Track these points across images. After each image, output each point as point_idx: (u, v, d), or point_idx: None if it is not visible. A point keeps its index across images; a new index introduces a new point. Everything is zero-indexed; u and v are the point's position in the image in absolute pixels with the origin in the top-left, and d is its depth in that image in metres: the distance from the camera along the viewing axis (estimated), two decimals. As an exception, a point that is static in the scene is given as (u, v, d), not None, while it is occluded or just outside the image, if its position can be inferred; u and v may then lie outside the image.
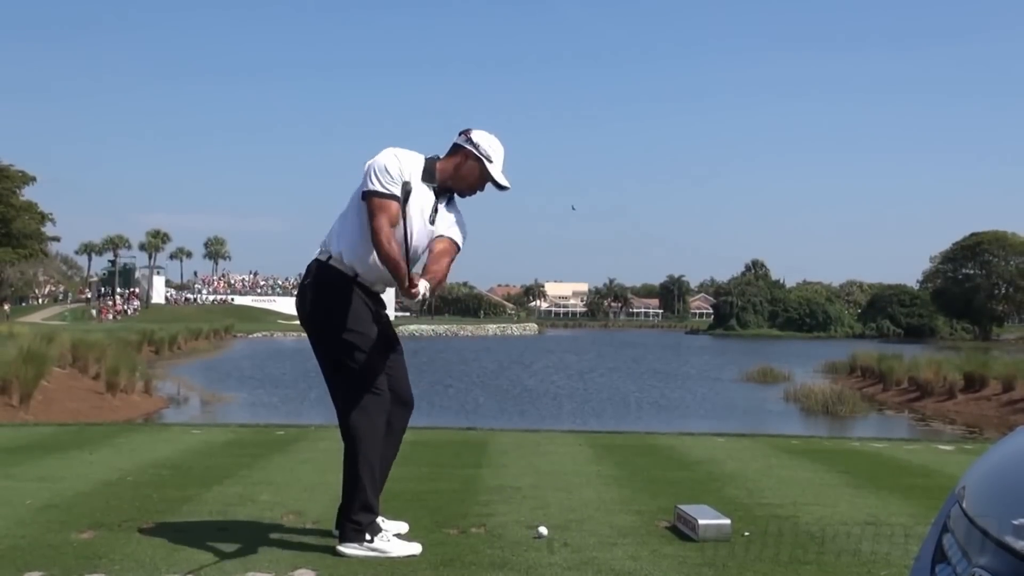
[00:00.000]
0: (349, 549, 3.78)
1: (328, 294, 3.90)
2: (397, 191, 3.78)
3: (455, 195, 4.05)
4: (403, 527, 4.12)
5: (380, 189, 3.79)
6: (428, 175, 3.92)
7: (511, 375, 33.02)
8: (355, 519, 3.81)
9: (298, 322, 4.13)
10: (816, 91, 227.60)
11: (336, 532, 3.94)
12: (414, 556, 3.76)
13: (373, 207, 3.78)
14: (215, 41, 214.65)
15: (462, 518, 4.49)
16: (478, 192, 4.04)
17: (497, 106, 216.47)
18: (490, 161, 3.97)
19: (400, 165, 3.84)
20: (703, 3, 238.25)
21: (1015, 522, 1.53)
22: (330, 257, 3.93)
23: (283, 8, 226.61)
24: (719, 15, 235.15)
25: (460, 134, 4.02)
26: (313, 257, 4.02)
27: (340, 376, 3.92)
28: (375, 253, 3.81)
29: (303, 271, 4.08)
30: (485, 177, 3.99)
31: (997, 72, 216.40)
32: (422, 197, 3.90)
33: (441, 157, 4.00)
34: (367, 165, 3.86)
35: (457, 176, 3.97)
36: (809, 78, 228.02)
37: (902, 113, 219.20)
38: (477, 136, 3.98)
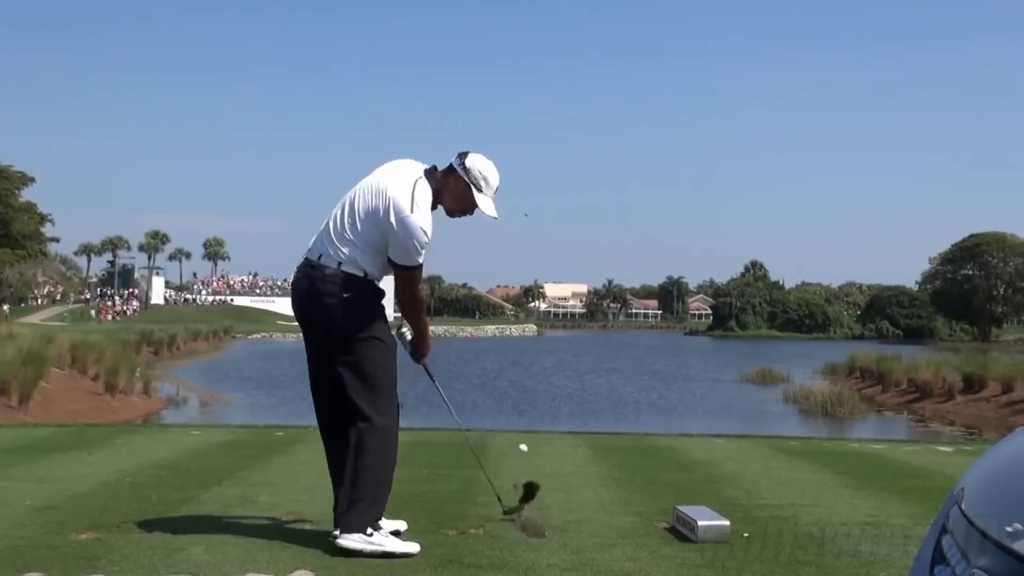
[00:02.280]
0: (350, 542, 3.78)
1: (363, 303, 3.88)
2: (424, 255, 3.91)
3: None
4: (401, 525, 4.14)
5: (421, 261, 3.87)
6: (433, 205, 3.92)
7: (510, 376, 33.02)
8: (368, 513, 3.82)
9: (297, 323, 4.13)
10: (816, 91, 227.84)
11: (336, 532, 3.96)
12: (411, 555, 3.77)
13: (414, 277, 3.92)
14: (215, 41, 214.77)
15: (461, 519, 4.49)
16: (467, 216, 4.02)
17: (497, 106, 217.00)
18: (479, 190, 3.95)
19: (429, 232, 3.85)
20: (702, 4, 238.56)
21: (1012, 526, 1.53)
22: (363, 272, 3.89)
23: (282, 8, 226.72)
24: (718, 16, 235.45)
25: (457, 156, 4.01)
26: (330, 261, 3.88)
27: (367, 383, 3.89)
28: (402, 297, 4.03)
29: (311, 272, 3.92)
30: (472, 203, 3.98)
31: (996, 73, 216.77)
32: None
33: (439, 171, 3.99)
34: (401, 238, 3.79)
35: (446, 195, 3.97)
36: (809, 78, 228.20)
37: (901, 114, 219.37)
38: (471, 161, 3.96)
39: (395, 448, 3.95)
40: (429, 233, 3.83)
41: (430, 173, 3.95)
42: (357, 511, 3.82)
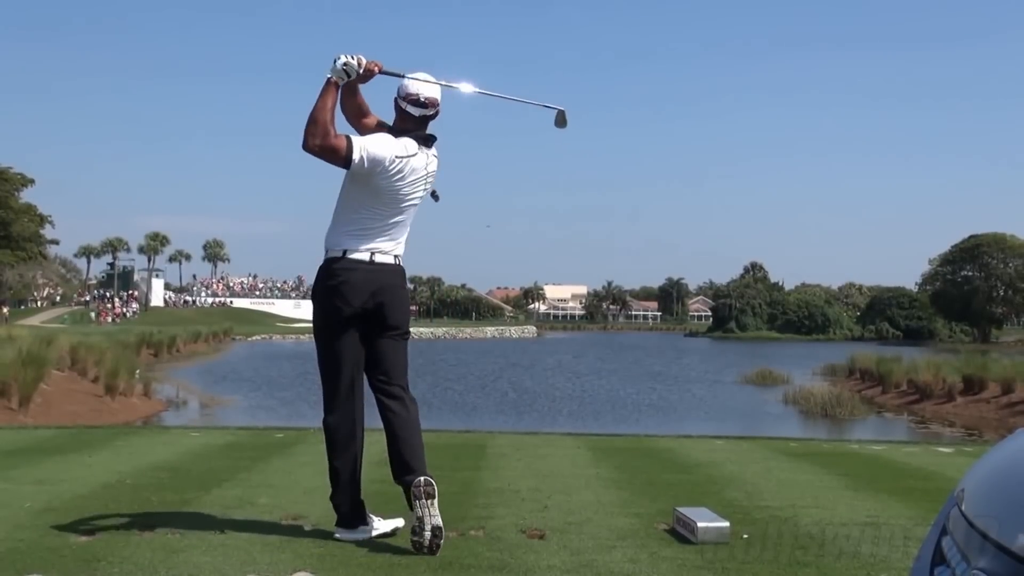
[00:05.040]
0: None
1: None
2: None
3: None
4: (399, 523, 4.17)
5: (351, 154, 4.04)
6: (423, 141, 4.17)
7: (510, 377, 33.02)
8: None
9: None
10: (816, 92, 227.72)
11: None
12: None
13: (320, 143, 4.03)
14: (215, 41, 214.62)
15: (461, 520, 4.48)
16: (422, 109, 4.16)
17: (497, 106, 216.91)
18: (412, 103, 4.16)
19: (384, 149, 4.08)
20: (702, 4, 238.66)
21: (1017, 531, 1.53)
22: (397, 257, 4.16)
23: (283, 8, 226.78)
24: (717, 16, 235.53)
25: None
26: (378, 254, 4.08)
27: (404, 360, 4.20)
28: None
29: (392, 268, 4.13)
30: (404, 96, 4.16)
31: (996, 74, 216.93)
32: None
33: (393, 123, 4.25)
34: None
35: (404, 123, 4.19)
36: (808, 79, 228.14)
37: (901, 114, 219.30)
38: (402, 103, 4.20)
39: None
40: (381, 146, 4.02)
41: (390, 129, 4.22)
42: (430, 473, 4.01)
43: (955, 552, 1.72)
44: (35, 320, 63.04)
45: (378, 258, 4.07)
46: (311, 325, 4.30)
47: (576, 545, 4.04)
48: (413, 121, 4.17)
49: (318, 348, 4.15)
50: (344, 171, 4.07)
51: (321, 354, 4.14)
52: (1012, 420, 19.44)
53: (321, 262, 4.14)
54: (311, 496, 5.08)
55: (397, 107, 4.20)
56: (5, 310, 64.89)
